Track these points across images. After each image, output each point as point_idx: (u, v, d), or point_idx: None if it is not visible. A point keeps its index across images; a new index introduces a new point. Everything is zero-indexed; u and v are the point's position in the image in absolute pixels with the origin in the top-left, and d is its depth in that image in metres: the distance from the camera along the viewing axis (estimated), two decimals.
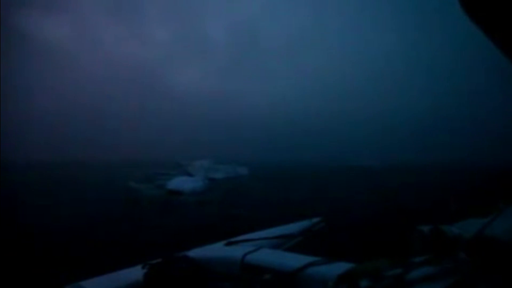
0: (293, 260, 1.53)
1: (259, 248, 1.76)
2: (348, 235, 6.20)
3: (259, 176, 29.25)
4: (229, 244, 1.95)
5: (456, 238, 1.09)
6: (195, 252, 1.82)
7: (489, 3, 0.55)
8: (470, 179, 25.49)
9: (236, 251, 1.76)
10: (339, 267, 1.22)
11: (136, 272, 1.54)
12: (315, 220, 2.57)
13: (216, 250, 1.88)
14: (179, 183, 16.66)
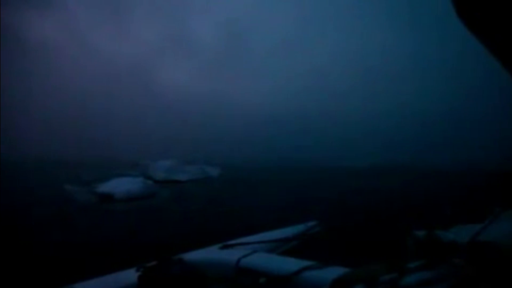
0: (288, 264, 1.66)
1: (254, 252, 1.92)
2: (343, 239, 6.43)
3: (231, 178, 29.08)
4: (224, 247, 2.12)
5: (451, 243, 1.21)
6: (190, 255, 1.97)
7: (485, 12, 0.63)
8: (466, 183, 26.59)
9: (231, 255, 1.91)
10: (334, 272, 1.31)
11: (130, 275, 1.66)
12: (310, 223, 2.79)
13: (211, 253, 2.04)
14: (112, 185, 15.03)
